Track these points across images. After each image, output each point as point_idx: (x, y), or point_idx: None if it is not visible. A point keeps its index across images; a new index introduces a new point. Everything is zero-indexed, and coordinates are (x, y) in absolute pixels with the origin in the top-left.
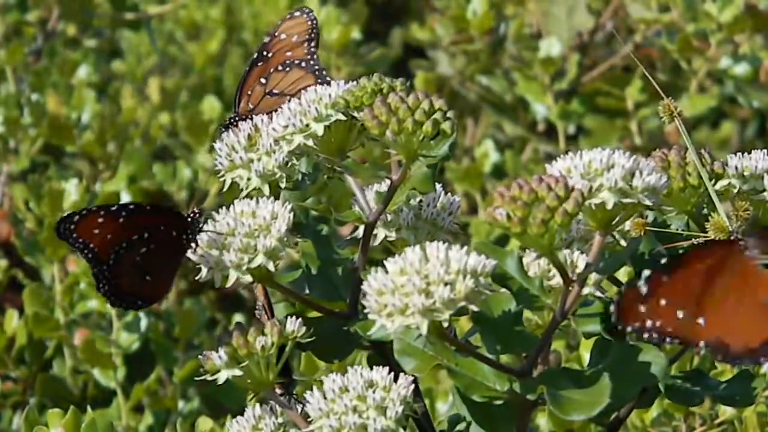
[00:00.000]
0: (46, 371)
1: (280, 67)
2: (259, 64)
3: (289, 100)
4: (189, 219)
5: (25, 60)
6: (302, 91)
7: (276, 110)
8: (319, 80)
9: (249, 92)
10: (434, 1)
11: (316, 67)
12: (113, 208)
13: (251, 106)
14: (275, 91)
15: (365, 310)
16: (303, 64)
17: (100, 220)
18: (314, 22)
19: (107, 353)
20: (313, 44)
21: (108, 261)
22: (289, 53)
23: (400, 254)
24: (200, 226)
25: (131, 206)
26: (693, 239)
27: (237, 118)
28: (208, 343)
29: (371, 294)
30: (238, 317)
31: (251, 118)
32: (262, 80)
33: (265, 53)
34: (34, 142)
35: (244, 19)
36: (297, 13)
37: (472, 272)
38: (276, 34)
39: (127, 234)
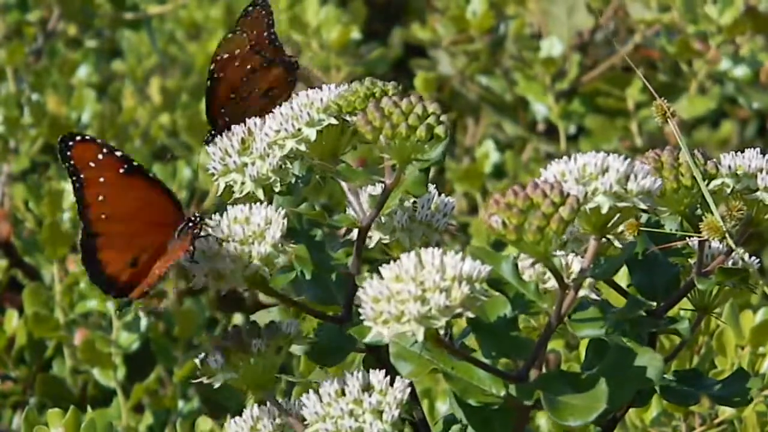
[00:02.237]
0: (45, 371)
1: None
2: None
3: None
4: (188, 218)
5: (25, 60)
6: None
7: (265, 111)
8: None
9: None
10: (435, 1)
11: (276, 42)
12: (119, 153)
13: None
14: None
15: (361, 316)
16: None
17: (100, 156)
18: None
19: (107, 353)
20: (272, 29)
21: (90, 207)
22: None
23: (396, 258)
24: (199, 231)
25: (136, 164)
26: (687, 239)
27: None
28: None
29: (367, 301)
30: (238, 317)
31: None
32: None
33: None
34: (34, 142)
35: None
36: (250, 8)
37: (468, 278)
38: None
39: (118, 189)
